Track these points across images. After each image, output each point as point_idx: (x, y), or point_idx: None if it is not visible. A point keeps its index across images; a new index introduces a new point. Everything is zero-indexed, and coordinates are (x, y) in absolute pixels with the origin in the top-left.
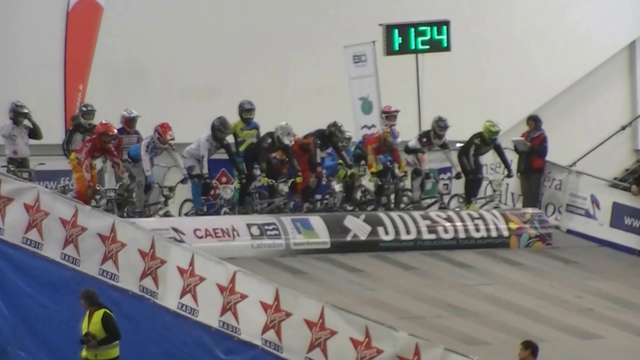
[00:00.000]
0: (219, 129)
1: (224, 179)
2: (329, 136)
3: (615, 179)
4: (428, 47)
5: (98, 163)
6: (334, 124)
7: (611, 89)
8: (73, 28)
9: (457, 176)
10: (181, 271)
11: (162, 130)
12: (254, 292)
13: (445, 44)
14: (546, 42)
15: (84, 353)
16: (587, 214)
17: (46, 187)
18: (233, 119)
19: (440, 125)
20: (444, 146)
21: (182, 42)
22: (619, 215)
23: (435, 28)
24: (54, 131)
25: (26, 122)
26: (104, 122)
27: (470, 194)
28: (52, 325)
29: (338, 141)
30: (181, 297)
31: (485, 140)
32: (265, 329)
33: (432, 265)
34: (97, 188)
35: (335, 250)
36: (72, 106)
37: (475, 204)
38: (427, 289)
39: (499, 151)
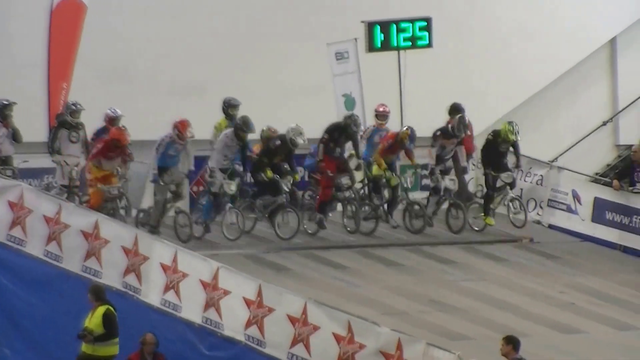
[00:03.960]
0: (241, 127)
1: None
2: (345, 128)
3: (596, 174)
4: (410, 43)
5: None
6: (350, 116)
7: (593, 84)
8: (56, 27)
9: (463, 170)
10: (164, 267)
11: (181, 126)
12: (237, 288)
13: (427, 41)
14: (528, 39)
15: (83, 347)
16: (569, 209)
17: (30, 184)
18: (218, 116)
19: (458, 127)
20: (458, 142)
21: (167, 40)
22: (600, 210)
23: (417, 25)
24: (37, 129)
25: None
26: (120, 127)
27: (487, 206)
28: (37, 323)
29: (353, 133)
30: (164, 293)
31: (501, 137)
32: (248, 325)
33: (415, 261)
34: (109, 192)
35: None
36: (56, 104)
37: (491, 218)
38: (410, 284)
39: (515, 147)
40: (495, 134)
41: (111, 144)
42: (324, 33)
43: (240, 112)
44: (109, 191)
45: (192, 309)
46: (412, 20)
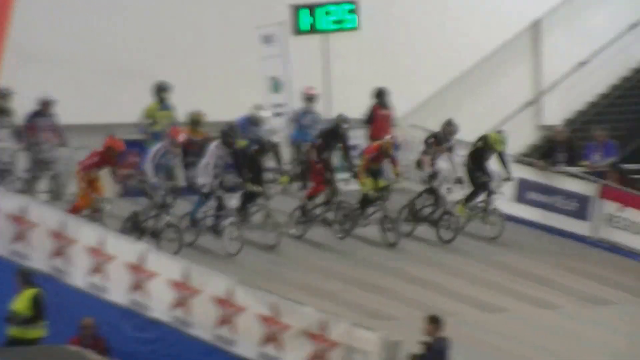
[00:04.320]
0: (228, 134)
1: (133, 160)
2: (336, 128)
3: (520, 154)
4: (337, 26)
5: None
6: (339, 116)
7: (517, 65)
8: None
9: (458, 181)
10: (91, 250)
11: (174, 133)
12: (163, 270)
13: (354, 24)
14: (453, 20)
15: (11, 331)
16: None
17: None
18: (148, 99)
19: (447, 130)
20: (449, 150)
21: (97, 24)
22: (524, 191)
23: (344, 7)
24: None
25: None
26: (113, 136)
27: (470, 197)
28: None
29: (344, 133)
30: (91, 275)
31: (489, 145)
32: (174, 306)
33: (341, 242)
34: (99, 203)
35: None
36: None
37: (464, 207)
38: (336, 265)
39: (502, 157)
40: (485, 142)
41: (106, 155)
42: (252, 16)
43: (171, 95)
44: (101, 202)
45: (118, 291)
46: (339, 3)
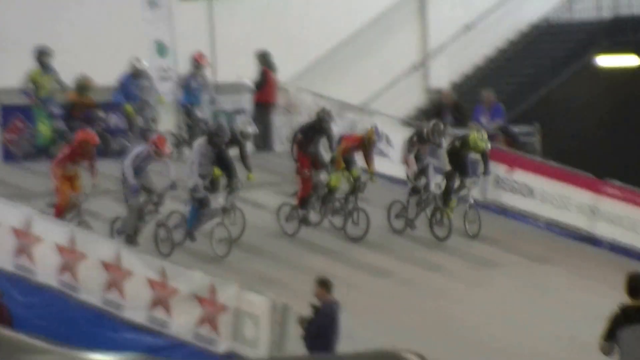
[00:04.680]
0: (216, 133)
1: (19, 124)
2: (318, 122)
3: (408, 117)
4: None
5: None
6: (322, 110)
7: (403, 29)
8: None
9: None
10: None
11: (159, 143)
12: (49, 235)
13: None
14: None
15: None
16: (380, 152)
17: None
18: (28, 64)
19: (434, 132)
20: (438, 145)
21: None
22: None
23: None
24: None
25: None
26: (85, 130)
27: (447, 194)
28: None
29: (328, 127)
30: None
31: (470, 145)
32: (61, 271)
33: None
34: (77, 199)
35: None
36: None
37: (453, 202)
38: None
39: (483, 155)
40: (464, 142)
41: (78, 148)
42: None
43: (54, 59)
44: (77, 199)
45: (3, 256)
46: None
